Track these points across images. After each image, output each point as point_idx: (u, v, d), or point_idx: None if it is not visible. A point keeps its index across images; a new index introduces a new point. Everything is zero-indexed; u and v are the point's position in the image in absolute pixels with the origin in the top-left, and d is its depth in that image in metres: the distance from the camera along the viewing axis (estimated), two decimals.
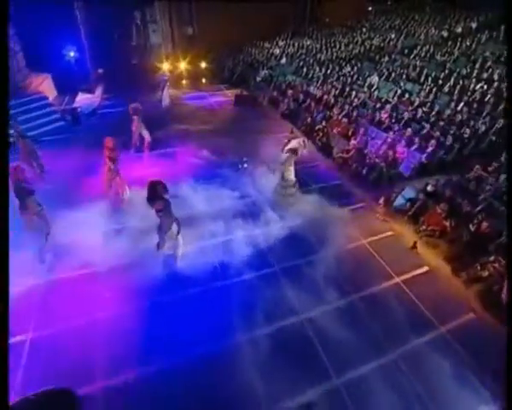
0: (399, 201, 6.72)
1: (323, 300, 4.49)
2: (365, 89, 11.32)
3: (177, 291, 4.44)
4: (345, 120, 9.19)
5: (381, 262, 5.31)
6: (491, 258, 5.06)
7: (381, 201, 6.48)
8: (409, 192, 6.76)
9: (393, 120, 9.62)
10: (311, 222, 5.72)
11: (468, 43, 14.62)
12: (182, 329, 4.00)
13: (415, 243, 5.64)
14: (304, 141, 5.93)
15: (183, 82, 15.10)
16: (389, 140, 8.47)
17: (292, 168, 6.10)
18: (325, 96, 10.65)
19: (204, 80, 15.13)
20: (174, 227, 4.57)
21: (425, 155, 8.17)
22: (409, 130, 8.73)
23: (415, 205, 6.44)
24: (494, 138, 8.77)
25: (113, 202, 5.65)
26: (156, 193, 4.22)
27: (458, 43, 14.70)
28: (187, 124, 10.00)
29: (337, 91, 11.45)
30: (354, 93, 10.93)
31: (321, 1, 21.34)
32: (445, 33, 16.36)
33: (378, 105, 10.20)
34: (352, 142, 7.84)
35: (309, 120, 9.02)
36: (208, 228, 5.54)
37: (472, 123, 9.01)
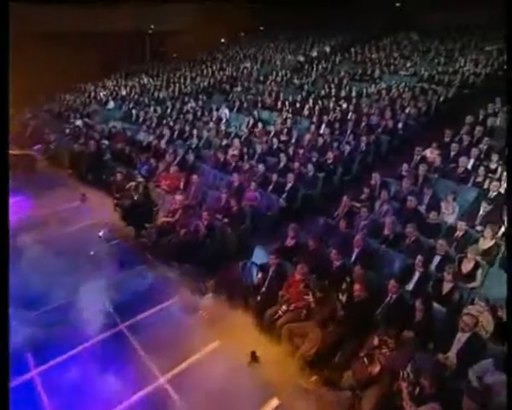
0: (248, 273, 5.42)
1: None
2: (211, 125, 10.77)
3: None
4: (175, 168, 8.01)
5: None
6: (376, 340, 3.94)
7: (209, 284, 5.03)
8: (259, 255, 5.55)
9: (246, 157, 9.00)
10: None
11: (324, 65, 16.45)
12: None
13: (253, 354, 4.18)
14: None
15: None
16: (235, 184, 7.52)
17: None
18: (154, 142, 9.51)
19: None
20: None
21: (284, 196, 7.43)
22: (260, 166, 8.03)
23: (268, 274, 5.18)
24: (363, 158, 8.85)
25: None
26: None
27: (315, 66, 16.42)
28: None
29: (176, 133, 10.59)
30: (195, 132, 10.17)
31: (165, 35, 22.12)
32: (301, 58, 18.35)
33: (225, 142, 9.55)
34: (178, 197, 6.52)
35: (118, 177, 7.46)
36: None
37: (335, 145, 9.00)
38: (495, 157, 7.65)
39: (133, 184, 7.06)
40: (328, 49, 19.34)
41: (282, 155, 8.41)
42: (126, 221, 6.43)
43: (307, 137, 9.58)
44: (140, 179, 7.31)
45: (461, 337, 4.12)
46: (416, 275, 5.13)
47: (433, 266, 5.42)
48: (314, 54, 19.04)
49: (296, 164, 8.28)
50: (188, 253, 5.92)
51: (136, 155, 8.90)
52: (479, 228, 6.08)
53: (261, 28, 25.45)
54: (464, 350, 4.03)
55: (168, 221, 6.44)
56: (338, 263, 5.20)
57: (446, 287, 4.85)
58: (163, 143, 9.46)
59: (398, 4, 22.26)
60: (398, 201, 7.00)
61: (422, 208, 6.79)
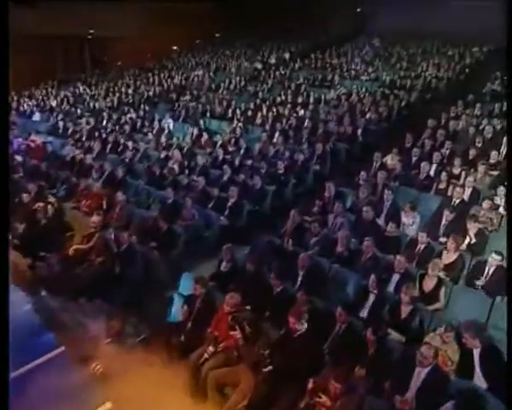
0: (173, 306, 4.78)
1: None
2: (150, 136, 10.21)
3: None
4: (98, 185, 7.34)
5: None
6: (319, 385, 3.40)
7: (115, 325, 4.32)
8: (187, 284, 4.92)
9: (186, 171, 8.48)
10: None
11: (282, 72, 16.46)
12: None
13: None
14: None
15: None
16: (169, 201, 6.91)
17: None
18: (80, 157, 8.79)
19: None
20: None
21: (227, 212, 6.91)
22: (200, 180, 7.50)
23: (195, 306, 4.56)
24: (318, 168, 8.55)
25: None
26: None
27: (272, 73, 16.40)
28: None
29: (109, 146, 9.93)
30: (131, 145, 9.55)
31: (108, 41, 21.51)
32: (258, 65, 18.32)
33: (164, 154, 8.99)
34: (94, 219, 5.82)
35: (25, 198, 6.66)
36: None
37: (287, 154, 8.66)
38: (458, 161, 7.53)
39: (41, 205, 6.27)
40: (287, 56, 19.52)
41: (226, 167, 7.92)
42: (22, 251, 5.61)
43: (257, 146, 9.20)
44: (51, 200, 6.53)
45: (420, 373, 3.66)
46: (371, 298, 4.69)
47: (391, 287, 5.01)
48: (272, 61, 19.13)
49: (242, 176, 7.83)
50: (102, 286, 5.21)
51: (56, 173, 8.13)
52: (442, 240, 5.79)
53: (217, 35, 25.47)
54: (424, 389, 3.56)
55: (80, 248, 5.70)
56: (278, 289, 4.66)
57: (405, 311, 4.41)
58: (90, 158, 8.75)
59: (359, 10, 22.92)
60: (354, 213, 6.65)
61: (381, 220, 6.48)
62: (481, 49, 16.23)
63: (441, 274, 5.09)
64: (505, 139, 7.87)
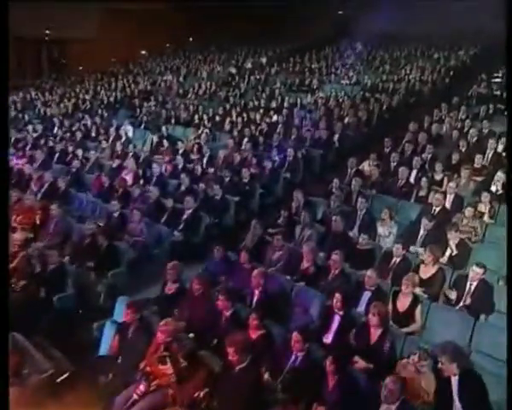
0: (104, 337, 4.32)
1: None
2: (104, 144, 9.84)
3: None
4: (32, 198, 6.89)
5: None
6: None
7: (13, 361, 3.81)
8: (121, 310, 4.46)
9: (142, 181, 8.11)
10: None
11: (257, 77, 16.43)
12: None
13: None
14: None
15: None
16: (115, 215, 6.50)
17: None
18: (17, 168, 8.35)
19: None
20: None
21: (181, 226, 6.52)
22: (153, 190, 7.12)
23: (127, 335, 4.11)
24: (289, 176, 8.30)
25: None
26: None
27: (247, 78, 16.35)
28: None
29: (56, 155, 9.50)
30: (81, 153, 9.15)
31: (68, 44, 21.15)
32: (233, 70, 18.28)
33: (116, 163, 8.61)
34: (16, 236, 5.37)
35: None
36: None
37: (255, 161, 8.39)
38: (440, 167, 7.36)
39: None
40: (264, 60, 19.58)
41: (184, 176, 7.56)
42: None
43: (222, 153, 8.89)
44: None
45: None
46: (336, 321, 4.33)
47: (362, 307, 4.67)
48: (248, 65, 19.13)
49: (202, 186, 7.49)
50: (23, 314, 4.71)
51: None
52: (420, 250, 5.51)
53: (191, 39, 25.47)
54: None
55: None
56: (228, 313, 4.26)
57: (374, 334, 4.06)
58: (29, 168, 8.29)
59: (340, 12, 23.21)
60: (325, 224, 6.34)
61: (355, 232, 6.18)
62: (467, 52, 16.49)
63: (418, 291, 4.80)
64: (505, 139, 7.83)
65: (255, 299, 4.62)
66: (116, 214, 6.57)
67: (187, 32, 25.21)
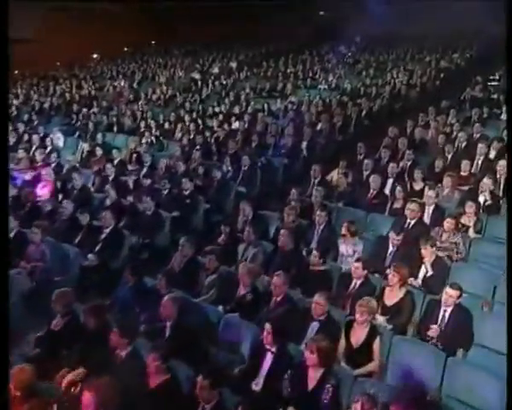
0: None
1: None
2: (20, 153, 9.38)
3: None
4: None
5: None
6: None
7: None
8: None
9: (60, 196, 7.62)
10: None
11: (224, 82, 16.39)
12: None
13: None
14: None
15: None
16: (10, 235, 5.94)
17: None
18: None
19: None
20: None
21: (98, 248, 5.99)
22: (67, 206, 6.65)
23: None
24: (243, 189, 7.93)
25: None
26: None
27: (211, 83, 16.30)
28: None
29: None
30: None
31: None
32: (196, 75, 18.26)
33: (30, 176, 8.15)
34: None
35: None
36: None
37: (202, 170, 8.00)
38: (419, 174, 7.03)
39: None
40: (234, 65, 19.63)
41: (109, 187, 7.07)
42: None
43: (163, 163, 8.47)
44: None
45: None
46: (269, 360, 3.80)
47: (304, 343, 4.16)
48: (214, 70, 19.15)
49: (130, 199, 7.01)
50: None
51: None
52: (388, 272, 5.06)
53: (153, 42, 25.55)
54: None
55: None
56: (123, 352, 3.70)
57: (312, 377, 3.54)
58: None
59: (322, 13, 23.52)
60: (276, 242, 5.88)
61: (314, 252, 5.73)
62: (462, 54, 16.71)
63: (380, 320, 4.33)
64: (498, 145, 7.86)
65: (167, 334, 4.08)
66: (12, 234, 5.99)
67: (149, 35, 25.28)
